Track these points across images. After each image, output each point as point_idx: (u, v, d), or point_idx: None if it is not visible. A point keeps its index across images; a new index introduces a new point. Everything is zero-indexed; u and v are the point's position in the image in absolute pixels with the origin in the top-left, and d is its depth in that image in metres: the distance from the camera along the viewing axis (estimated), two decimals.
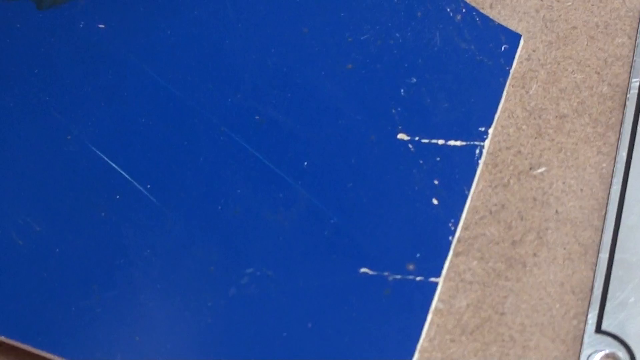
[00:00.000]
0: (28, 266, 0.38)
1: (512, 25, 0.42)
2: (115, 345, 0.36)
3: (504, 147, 0.39)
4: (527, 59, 0.41)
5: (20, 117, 0.41)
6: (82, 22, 0.43)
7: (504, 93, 0.41)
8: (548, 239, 0.38)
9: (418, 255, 0.37)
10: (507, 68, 0.41)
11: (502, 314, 0.37)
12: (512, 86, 0.41)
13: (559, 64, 0.41)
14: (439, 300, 0.38)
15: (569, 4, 0.42)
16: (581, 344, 0.36)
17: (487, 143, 0.39)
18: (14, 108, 0.41)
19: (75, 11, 0.43)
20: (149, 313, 0.37)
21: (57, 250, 0.38)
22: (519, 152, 0.39)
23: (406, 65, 0.41)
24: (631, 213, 0.37)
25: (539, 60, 0.41)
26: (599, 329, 0.36)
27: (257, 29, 0.42)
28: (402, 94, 0.39)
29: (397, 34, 0.41)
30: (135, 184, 0.39)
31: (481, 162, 0.38)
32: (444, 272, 0.37)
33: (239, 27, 0.41)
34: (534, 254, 0.37)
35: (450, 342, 0.37)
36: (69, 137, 0.40)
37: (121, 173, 0.39)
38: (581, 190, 0.38)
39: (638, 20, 0.42)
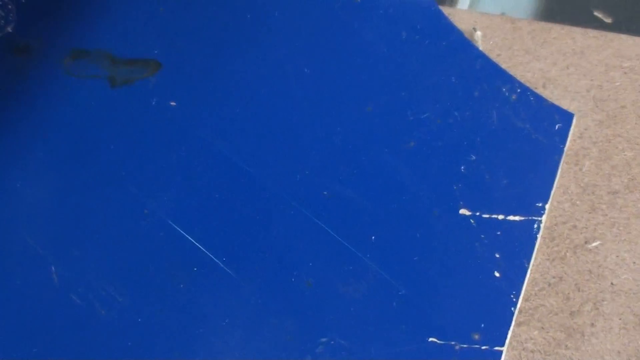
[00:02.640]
0: (112, 335, 0.43)
1: (565, 104, 0.48)
2: None
3: (560, 222, 0.46)
4: (580, 137, 0.48)
5: (99, 191, 0.46)
6: (154, 100, 0.48)
7: (559, 170, 0.46)
8: (604, 310, 0.44)
9: (482, 325, 0.42)
10: (561, 146, 0.47)
11: None
12: (566, 163, 0.47)
13: (609, 141, 0.47)
14: None
15: (618, 84, 0.49)
16: None
17: (544, 218, 0.45)
18: (93, 183, 0.46)
19: (147, 89, 0.49)
20: None
21: (139, 319, 0.43)
22: (574, 226, 0.46)
23: (465, 142, 0.46)
24: None
25: (591, 138, 0.48)
26: None
27: (324, 108, 0.48)
28: (463, 170, 0.46)
29: (456, 113, 0.47)
30: (212, 256, 0.44)
31: (539, 236, 0.44)
32: (507, 341, 0.42)
33: (306, 106, 0.47)
34: (592, 324, 0.44)
35: None
36: (145, 212, 0.45)
37: (198, 246, 0.44)
38: (634, 262, 0.45)
39: None
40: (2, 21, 0.50)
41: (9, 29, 0.50)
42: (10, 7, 0.50)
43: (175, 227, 0.44)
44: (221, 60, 0.48)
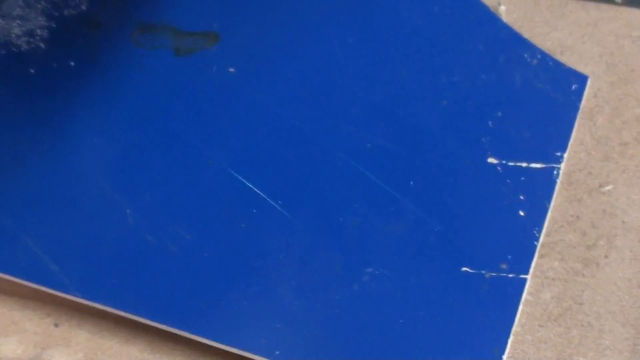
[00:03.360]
0: (182, 268, 0.49)
1: (580, 68, 0.55)
2: (257, 331, 0.48)
3: (576, 169, 0.53)
4: (594, 97, 0.55)
5: (167, 147, 0.53)
6: (214, 67, 0.56)
7: (575, 124, 0.53)
8: (617, 244, 0.51)
9: (509, 256, 0.50)
10: (577, 104, 0.54)
11: (581, 304, 0.50)
12: (582, 119, 0.54)
13: (620, 100, 0.55)
14: (528, 293, 0.50)
15: (627, 50, 0.56)
16: None
17: (562, 165, 0.52)
18: (161, 140, 0.54)
19: (208, 58, 0.57)
20: (286, 305, 0.49)
21: (206, 255, 0.50)
22: (590, 173, 0.53)
23: (492, 101, 0.54)
24: None
25: (604, 97, 0.55)
26: None
27: (367, 71, 0.55)
28: (490, 125, 0.53)
29: (483, 76, 0.55)
30: (269, 200, 0.51)
31: (558, 181, 0.52)
32: (531, 270, 0.49)
33: (351, 70, 0.55)
34: (605, 256, 0.50)
35: (538, 327, 0.50)
36: (210, 162, 0.53)
37: (256, 192, 0.52)
38: None
39: None
40: (77, 0, 0.58)
41: (83, 7, 0.58)
42: None
43: (237, 175, 0.51)
44: (273, 31, 0.56)
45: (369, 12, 0.55)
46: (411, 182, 0.51)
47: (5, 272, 0.49)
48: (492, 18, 0.55)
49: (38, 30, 0.57)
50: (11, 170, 0.53)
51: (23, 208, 0.51)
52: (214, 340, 0.48)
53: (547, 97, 0.53)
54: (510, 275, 0.49)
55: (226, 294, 0.49)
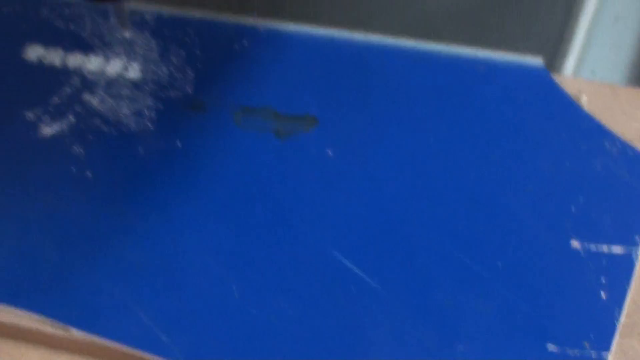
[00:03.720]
0: (285, 341, 0.55)
1: None
2: None
3: None
4: None
5: (270, 227, 0.58)
6: (314, 149, 0.61)
7: None
8: None
9: (591, 335, 0.54)
10: None
11: None
12: None
13: None
14: None
15: None
16: None
17: None
18: (264, 220, 0.59)
19: (307, 140, 0.62)
20: None
21: (307, 328, 0.54)
22: None
23: (575, 187, 0.58)
24: None
25: None
26: None
27: (458, 158, 0.61)
28: (573, 210, 0.58)
29: (567, 163, 0.60)
30: (367, 278, 0.56)
31: (637, 263, 0.57)
32: (612, 349, 0.54)
33: (442, 157, 0.60)
34: None
35: None
36: (311, 242, 0.58)
37: (355, 270, 0.57)
38: None
39: None
40: (183, 82, 0.64)
41: (188, 89, 0.64)
42: (189, 71, 0.65)
43: (337, 254, 0.56)
44: (369, 116, 0.62)
45: (460, 102, 0.60)
46: (499, 264, 0.55)
47: (119, 340, 0.53)
48: (574, 108, 0.60)
49: (146, 111, 0.63)
50: (125, 246, 0.58)
51: (138, 281, 0.56)
52: None
53: (626, 184, 0.57)
54: (593, 353, 0.53)
55: None
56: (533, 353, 0.53)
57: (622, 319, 0.54)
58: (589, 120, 0.59)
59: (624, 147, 0.59)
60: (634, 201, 0.56)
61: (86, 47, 0.69)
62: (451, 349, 0.53)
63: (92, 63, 0.67)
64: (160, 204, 0.61)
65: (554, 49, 0.71)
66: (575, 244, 0.56)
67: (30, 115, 0.65)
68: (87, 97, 0.65)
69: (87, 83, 0.67)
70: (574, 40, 0.69)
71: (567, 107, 0.60)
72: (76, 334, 0.56)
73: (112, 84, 0.65)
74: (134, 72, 0.66)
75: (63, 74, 0.69)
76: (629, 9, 0.70)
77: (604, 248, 0.56)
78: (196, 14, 0.69)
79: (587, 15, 0.72)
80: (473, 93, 0.62)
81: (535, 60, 0.63)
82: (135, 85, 0.64)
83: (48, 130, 0.64)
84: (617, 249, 0.55)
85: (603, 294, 0.55)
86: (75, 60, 0.69)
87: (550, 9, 0.69)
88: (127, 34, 0.65)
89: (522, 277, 0.56)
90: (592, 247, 0.56)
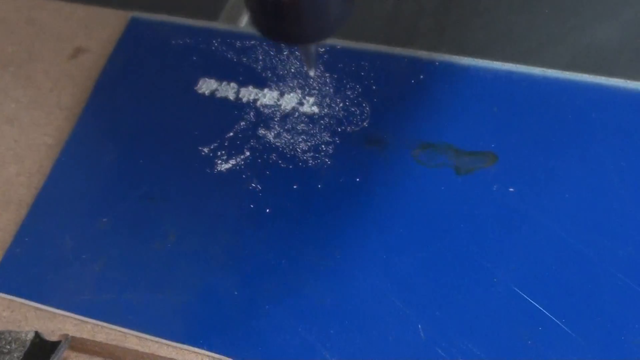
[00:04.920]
0: None
1: None
2: None
3: None
4: None
5: (452, 264, 0.59)
6: (495, 186, 0.62)
7: None
8: None
9: None
10: None
11: None
12: None
13: None
14: None
15: None
16: None
17: None
18: (446, 257, 0.60)
19: (489, 177, 0.62)
20: None
21: None
22: None
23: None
24: None
25: None
26: None
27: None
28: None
29: None
30: (553, 318, 0.57)
31: None
32: None
33: (624, 193, 0.59)
34: None
35: None
36: (494, 280, 0.59)
37: (540, 309, 0.57)
38: None
39: None
40: (359, 118, 0.66)
41: (365, 124, 0.65)
42: (365, 106, 0.66)
43: (520, 292, 0.57)
44: (549, 152, 0.62)
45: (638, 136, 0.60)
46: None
47: None
48: None
49: (323, 145, 0.64)
50: (306, 284, 0.61)
51: (322, 320, 0.59)
52: None
53: None
54: None
55: None
56: None
57: None
58: None
59: None
60: None
61: (260, 81, 0.70)
62: None
63: (266, 97, 0.68)
64: (340, 241, 0.62)
65: None
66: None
67: (205, 150, 0.66)
68: (262, 131, 0.66)
69: (262, 117, 0.68)
70: None
71: None
72: None
73: (287, 119, 0.66)
74: (309, 106, 0.67)
75: (237, 108, 0.71)
76: None
77: None
78: (369, 46, 0.69)
79: None
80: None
81: None
82: (311, 119, 0.65)
83: (225, 165, 0.65)
84: None
85: None
86: (249, 93, 0.70)
87: None
88: (312, 73, 0.67)
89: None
90: None
